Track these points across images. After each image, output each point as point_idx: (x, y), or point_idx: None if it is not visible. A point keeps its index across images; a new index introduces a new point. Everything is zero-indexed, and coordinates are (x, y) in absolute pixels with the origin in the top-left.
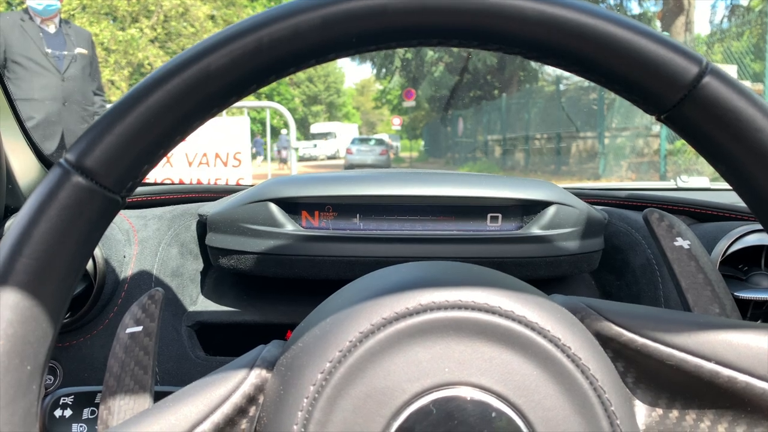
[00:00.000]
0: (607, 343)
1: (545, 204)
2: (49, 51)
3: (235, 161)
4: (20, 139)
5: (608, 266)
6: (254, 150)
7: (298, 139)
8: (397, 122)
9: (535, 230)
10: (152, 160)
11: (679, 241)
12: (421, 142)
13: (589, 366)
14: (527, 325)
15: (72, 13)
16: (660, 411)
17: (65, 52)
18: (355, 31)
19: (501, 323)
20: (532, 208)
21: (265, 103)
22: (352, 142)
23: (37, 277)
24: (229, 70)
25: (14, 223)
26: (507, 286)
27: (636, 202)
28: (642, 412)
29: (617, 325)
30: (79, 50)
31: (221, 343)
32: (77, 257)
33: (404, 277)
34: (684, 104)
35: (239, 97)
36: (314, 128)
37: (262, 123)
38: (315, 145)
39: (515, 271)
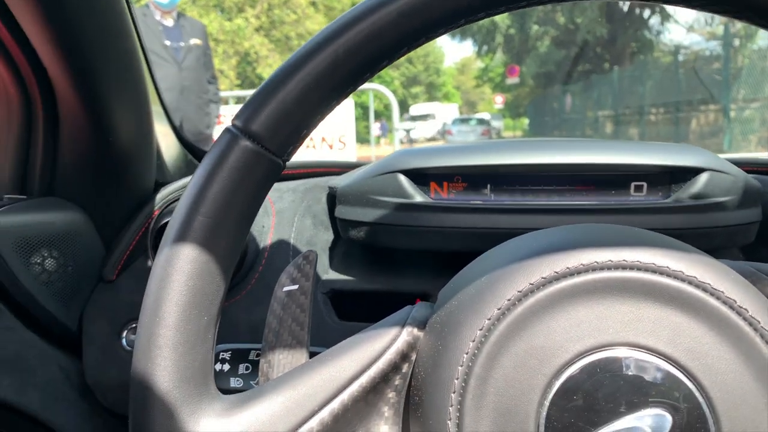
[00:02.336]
0: None
1: (696, 171)
2: (168, 43)
3: (341, 144)
4: (165, 122)
5: (759, 238)
6: (380, 132)
7: (399, 121)
8: (499, 100)
9: (686, 199)
10: (311, 125)
11: None
12: (525, 121)
13: None
14: (698, 285)
15: (183, 6)
16: None
17: (182, 44)
18: None
19: (670, 283)
20: (680, 176)
21: (368, 85)
22: (453, 123)
23: (212, 233)
24: (381, 34)
25: (190, 185)
26: (672, 246)
27: None
28: None
29: None
30: (194, 41)
31: (353, 310)
32: (245, 216)
33: (561, 236)
34: None
35: (390, 61)
36: (413, 110)
37: (362, 106)
38: (413, 128)
39: None
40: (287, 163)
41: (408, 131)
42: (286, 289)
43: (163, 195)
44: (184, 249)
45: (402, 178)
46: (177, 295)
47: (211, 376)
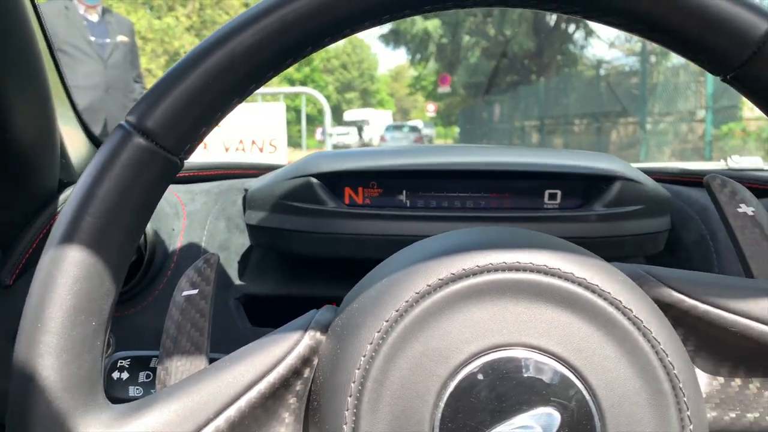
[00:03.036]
0: (667, 309)
1: (609, 179)
2: (93, 39)
3: (271, 147)
4: (73, 119)
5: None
6: (321, 138)
7: (332, 126)
8: (431, 108)
9: (599, 208)
10: (210, 122)
11: (743, 208)
12: (456, 129)
13: (651, 329)
14: (587, 287)
15: (110, 2)
16: (721, 379)
17: (108, 40)
18: None
19: (560, 285)
20: (594, 185)
21: (300, 89)
22: (386, 129)
23: (101, 235)
24: (284, 32)
25: (78, 184)
26: (565, 249)
27: (689, 178)
28: (703, 380)
29: (677, 291)
30: (120, 38)
31: (267, 316)
32: (138, 217)
33: (460, 239)
34: (752, 62)
35: (294, 60)
36: (347, 115)
37: (296, 111)
38: (348, 133)
39: None
40: (201, 163)
41: (341, 134)
42: (185, 293)
43: (67, 195)
44: (70, 251)
45: (315, 182)
46: (61, 299)
47: (99, 385)
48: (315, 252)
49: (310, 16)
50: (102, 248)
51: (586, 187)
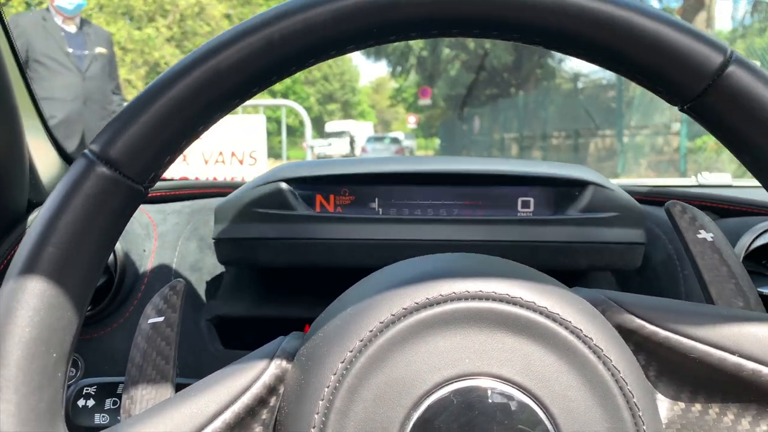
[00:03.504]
0: (629, 335)
1: (582, 185)
2: (71, 50)
3: (251, 159)
4: (43, 136)
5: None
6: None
7: (314, 137)
8: (412, 120)
9: (573, 213)
10: (175, 151)
11: (702, 234)
12: (437, 141)
13: (611, 357)
14: (548, 315)
15: (89, 12)
16: (682, 405)
17: (86, 52)
18: (372, 22)
19: (521, 314)
20: (568, 192)
21: (280, 101)
22: (367, 141)
23: (63, 265)
24: (249, 61)
25: (40, 213)
26: (528, 277)
27: (657, 198)
28: (664, 405)
29: (639, 318)
30: (99, 50)
31: (240, 337)
32: (101, 247)
33: (424, 267)
34: (708, 94)
35: (260, 89)
36: (329, 126)
37: (277, 122)
38: (330, 144)
39: (552, 259)
40: (173, 183)
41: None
42: (150, 321)
43: (36, 216)
44: (30, 282)
45: (284, 187)
46: (21, 331)
47: (60, 418)
48: (286, 261)
49: (276, 44)
50: (64, 279)
51: (559, 193)
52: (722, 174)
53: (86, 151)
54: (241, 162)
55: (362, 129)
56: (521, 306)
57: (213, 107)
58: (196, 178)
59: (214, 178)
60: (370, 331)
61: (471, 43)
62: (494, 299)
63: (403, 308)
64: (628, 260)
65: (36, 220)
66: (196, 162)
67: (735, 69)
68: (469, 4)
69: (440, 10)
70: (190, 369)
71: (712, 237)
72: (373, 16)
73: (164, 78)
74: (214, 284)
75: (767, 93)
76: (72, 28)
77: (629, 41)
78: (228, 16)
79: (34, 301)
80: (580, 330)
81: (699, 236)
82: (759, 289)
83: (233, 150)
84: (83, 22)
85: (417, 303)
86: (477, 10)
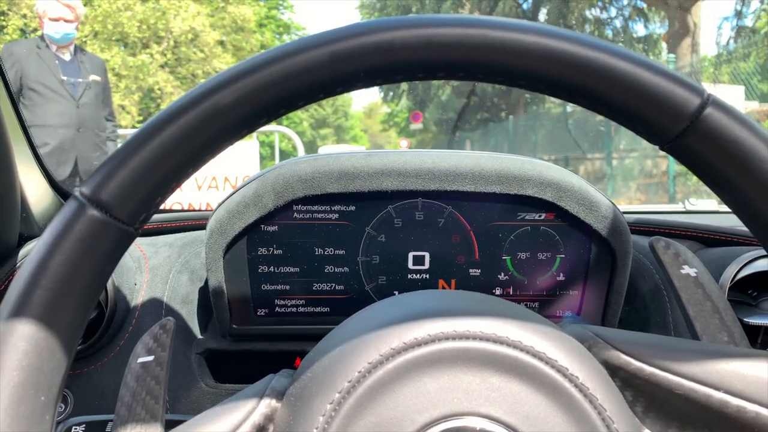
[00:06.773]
0: (615, 372)
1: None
2: (65, 78)
3: None
4: (34, 167)
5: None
6: None
7: None
8: (404, 144)
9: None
10: (165, 193)
11: (686, 269)
12: None
13: (597, 396)
14: (535, 355)
15: (84, 39)
16: None
17: (80, 79)
18: (362, 66)
19: (509, 353)
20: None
21: (273, 127)
22: None
23: (52, 308)
24: (240, 104)
25: (30, 255)
26: (515, 315)
27: (644, 227)
28: None
29: (625, 354)
30: (93, 77)
31: (231, 371)
32: (91, 289)
33: (413, 306)
34: (686, 135)
35: (250, 130)
36: (321, 150)
37: (271, 146)
38: None
39: None
40: (165, 215)
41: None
42: (140, 360)
43: (27, 249)
44: (18, 324)
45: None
46: (9, 375)
47: None
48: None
49: (267, 88)
50: (53, 321)
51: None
52: (709, 200)
53: (77, 193)
54: (234, 187)
55: None
56: (508, 345)
57: (204, 150)
58: (190, 205)
59: (208, 204)
60: (359, 372)
61: None
62: (481, 338)
63: (392, 348)
64: (620, 268)
65: (26, 262)
66: (189, 188)
67: (712, 111)
68: (457, 50)
69: (425, 55)
70: (181, 403)
71: (695, 272)
72: (364, 59)
73: (155, 121)
74: (204, 317)
75: (743, 134)
76: (66, 56)
77: (610, 85)
78: (222, 43)
79: (23, 344)
80: (566, 369)
81: (683, 272)
82: (745, 319)
83: (226, 175)
84: (77, 50)
85: (405, 343)
86: (462, 55)
